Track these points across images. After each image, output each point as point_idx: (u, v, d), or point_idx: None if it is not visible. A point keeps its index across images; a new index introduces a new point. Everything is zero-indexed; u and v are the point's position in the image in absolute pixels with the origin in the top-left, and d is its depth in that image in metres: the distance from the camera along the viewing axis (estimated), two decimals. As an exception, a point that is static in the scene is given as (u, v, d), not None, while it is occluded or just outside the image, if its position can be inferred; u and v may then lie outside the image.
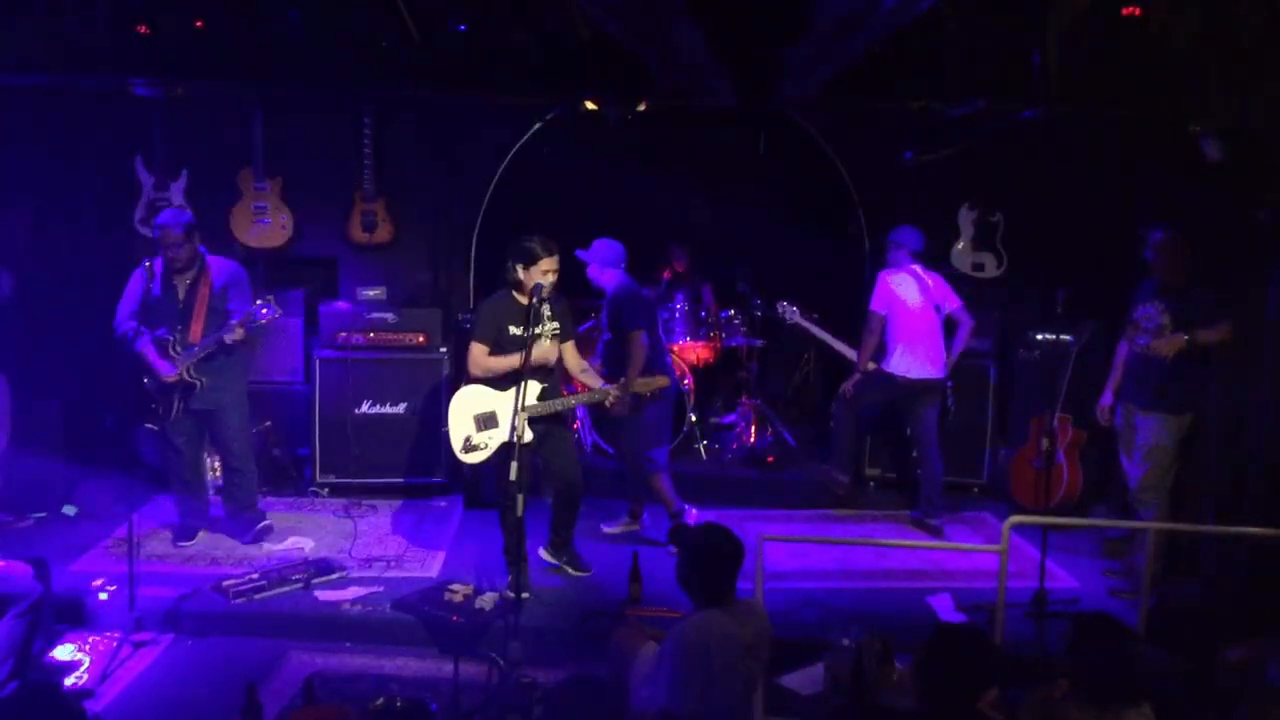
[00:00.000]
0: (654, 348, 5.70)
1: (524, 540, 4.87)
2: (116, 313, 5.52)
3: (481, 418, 5.05)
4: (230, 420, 5.60)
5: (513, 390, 4.87)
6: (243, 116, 6.76)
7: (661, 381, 5.36)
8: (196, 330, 5.40)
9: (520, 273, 4.98)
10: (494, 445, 5.03)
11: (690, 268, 7.74)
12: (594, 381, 5.31)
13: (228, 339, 5.32)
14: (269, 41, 5.35)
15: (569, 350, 5.27)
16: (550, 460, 5.27)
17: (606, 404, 5.21)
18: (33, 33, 5.16)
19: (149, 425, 5.56)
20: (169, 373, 5.37)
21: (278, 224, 6.88)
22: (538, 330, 5.02)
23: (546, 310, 5.10)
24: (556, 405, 5.12)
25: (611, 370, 5.64)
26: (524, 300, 5.02)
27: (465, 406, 5.08)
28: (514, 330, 5.04)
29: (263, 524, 5.78)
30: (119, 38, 5.25)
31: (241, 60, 5.39)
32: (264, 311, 5.31)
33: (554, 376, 5.22)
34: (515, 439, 4.60)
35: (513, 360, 4.96)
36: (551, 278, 5.00)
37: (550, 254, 4.97)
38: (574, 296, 5.75)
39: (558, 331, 5.18)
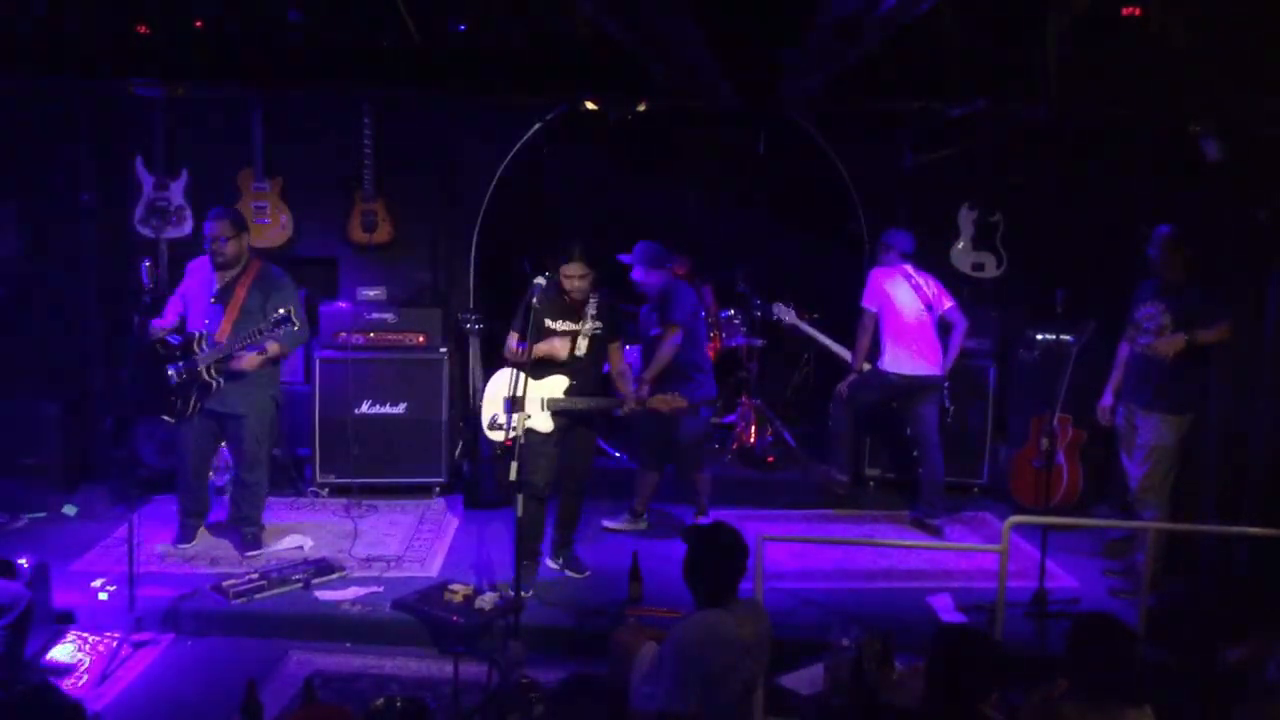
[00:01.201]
0: (696, 349, 5.80)
1: (526, 540, 4.87)
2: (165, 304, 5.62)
3: (510, 400, 5.08)
4: (246, 428, 5.48)
5: (546, 379, 5.09)
6: (243, 116, 6.76)
7: (678, 402, 5.29)
8: (225, 328, 5.35)
9: (558, 271, 5.12)
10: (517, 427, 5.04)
11: (691, 271, 7.74)
12: (624, 387, 5.36)
13: (235, 367, 5.30)
14: (269, 41, 5.34)
15: (614, 351, 5.34)
16: (570, 460, 5.32)
17: (622, 412, 5.32)
18: (33, 33, 5.15)
19: (165, 418, 5.49)
20: (155, 327, 5.37)
21: (278, 224, 6.87)
22: (576, 328, 5.17)
23: (591, 309, 5.21)
24: (579, 404, 5.21)
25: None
26: (565, 298, 5.15)
27: (500, 388, 5.19)
28: (550, 324, 5.16)
29: (252, 553, 5.59)
30: (119, 38, 5.25)
31: (241, 60, 5.38)
32: (272, 334, 5.24)
33: (585, 374, 5.25)
34: (516, 438, 4.59)
35: (552, 345, 5.10)
36: (578, 284, 5.09)
37: (571, 260, 5.06)
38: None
39: (599, 330, 5.23)
